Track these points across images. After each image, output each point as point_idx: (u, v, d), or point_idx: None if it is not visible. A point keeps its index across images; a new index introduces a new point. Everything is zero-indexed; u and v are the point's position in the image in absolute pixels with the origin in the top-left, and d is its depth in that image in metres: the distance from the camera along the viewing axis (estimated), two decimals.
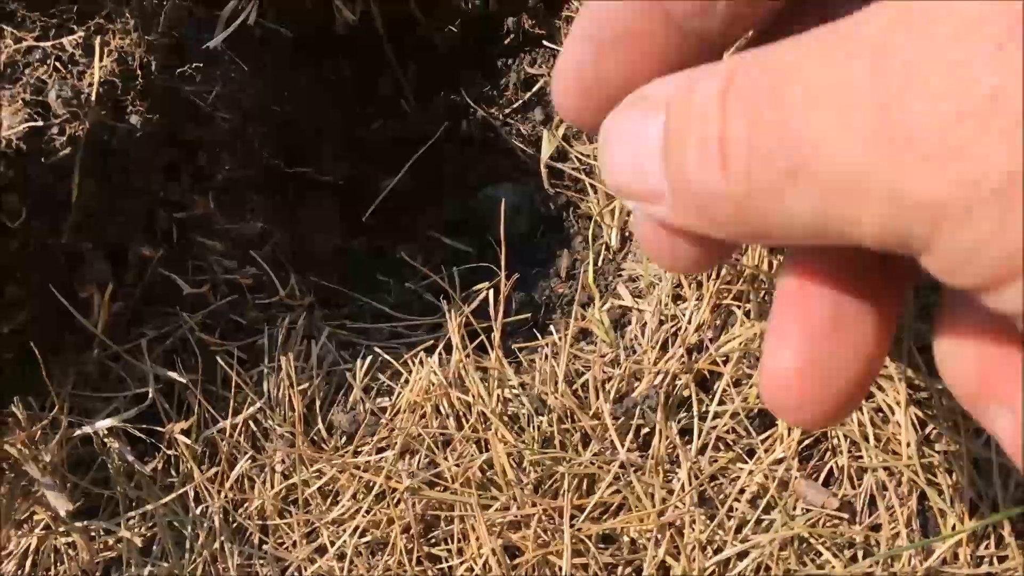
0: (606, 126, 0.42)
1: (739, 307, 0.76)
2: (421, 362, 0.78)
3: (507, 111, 0.97)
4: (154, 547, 0.75)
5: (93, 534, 0.75)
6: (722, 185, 0.34)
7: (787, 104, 0.32)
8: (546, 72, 0.97)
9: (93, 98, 0.67)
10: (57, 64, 0.68)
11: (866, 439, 0.71)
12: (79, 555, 0.74)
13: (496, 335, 0.75)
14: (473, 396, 0.74)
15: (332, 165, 0.91)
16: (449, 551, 0.73)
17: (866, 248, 0.33)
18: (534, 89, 0.97)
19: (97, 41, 0.68)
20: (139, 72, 0.72)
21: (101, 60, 0.68)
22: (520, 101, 0.97)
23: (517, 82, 0.98)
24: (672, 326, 0.77)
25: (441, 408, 0.76)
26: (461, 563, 0.72)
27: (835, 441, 0.72)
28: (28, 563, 0.77)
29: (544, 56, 0.97)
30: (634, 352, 0.77)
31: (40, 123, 0.65)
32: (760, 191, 0.33)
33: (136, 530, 0.75)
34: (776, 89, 0.32)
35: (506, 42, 0.97)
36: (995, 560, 0.69)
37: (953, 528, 0.70)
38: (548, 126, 0.95)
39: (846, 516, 0.71)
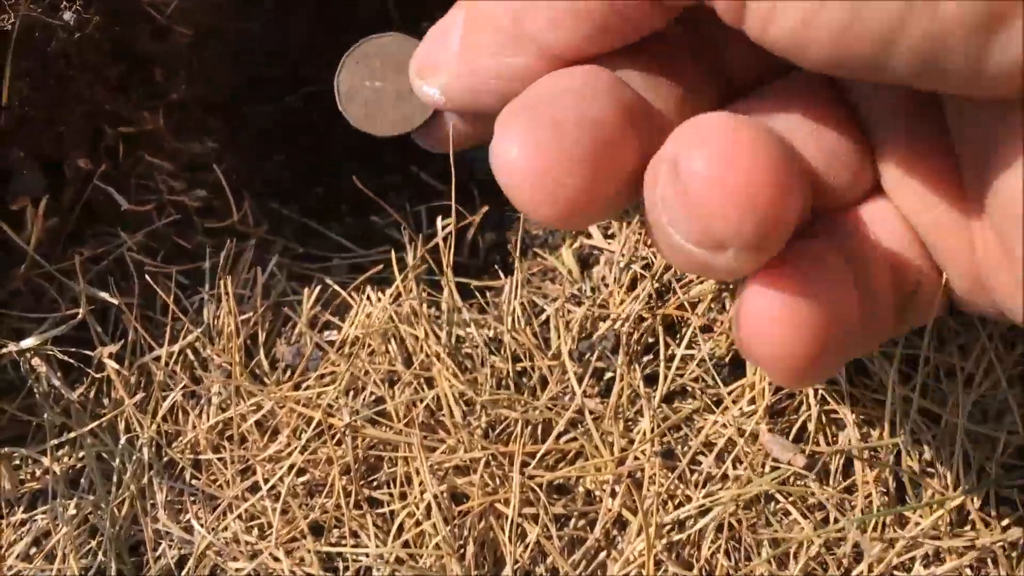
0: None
1: None
2: (371, 298, 0.73)
3: None
4: (82, 480, 0.71)
5: (18, 462, 0.71)
6: None
7: None
8: None
9: None
10: None
11: (841, 399, 0.66)
12: (2, 484, 0.70)
13: (446, 262, 0.69)
14: (423, 331, 0.70)
15: (299, 88, 0.86)
16: (391, 495, 0.68)
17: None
18: None
19: None
20: None
21: None
22: None
23: None
24: (641, 266, 0.72)
25: (390, 347, 0.71)
26: (403, 508, 0.68)
27: (807, 394, 0.67)
28: None
29: None
30: (600, 291, 0.72)
31: None
32: None
33: (63, 461, 0.71)
34: None
35: None
36: (980, 530, 0.64)
37: (933, 496, 0.65)
38: None
39: (811, 476, 0.66)
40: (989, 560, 0.63)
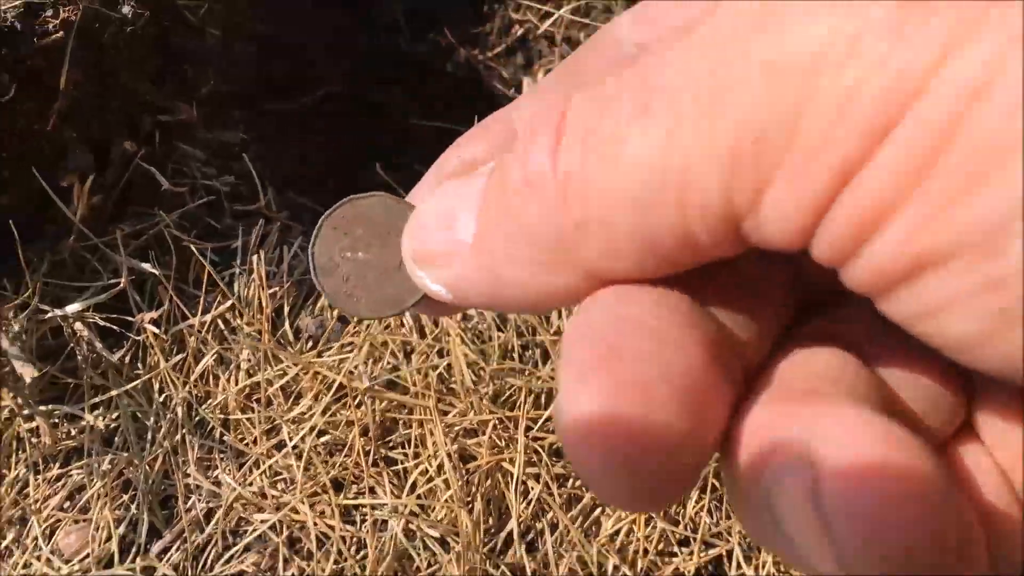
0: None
1: None
2: None
3: (490, 54, 1.00)
4: (116, 438, 0.77)
5: (56, 421, 0.77)
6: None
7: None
8: (530, 19, 1.00)
9: None
10: None
11: None
12: (41, 440, 0.76)
13: None
14: None
15: (316, 89, 0.93)
16: (405, 454, 0.75)
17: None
18: (517, 35, 1.00)
19: None
20: None
21: None
22: (503, 46, 1.00)
23: (502, 27, 1.01)
24: None
25: (405, 321, 0.78)
26: (416, 466, 0.74)
27: None
28: None
29: (528, 3, 1.00)
30: None
31: (36, 0, 0.66)
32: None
33: (99, 420, 0.76)
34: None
35: None
36: None
37: None
38: (528, 72, 0.97)
39: None
40: None
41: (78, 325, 0.76)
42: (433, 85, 1.00)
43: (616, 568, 0.71)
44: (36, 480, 0.77)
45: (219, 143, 0.83)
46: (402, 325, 0.78)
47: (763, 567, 0.71)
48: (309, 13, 0.95)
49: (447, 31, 0.98)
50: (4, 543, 0.76)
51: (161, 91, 0.82)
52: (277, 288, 0.79)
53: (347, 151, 0.96)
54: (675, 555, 0.72)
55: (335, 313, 0.79)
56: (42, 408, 0.75)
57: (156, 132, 0.81)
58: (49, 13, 0.68)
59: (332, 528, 0.73)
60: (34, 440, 0.78)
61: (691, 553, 0.72)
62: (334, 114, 0.96)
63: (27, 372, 0.70)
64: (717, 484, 0.73)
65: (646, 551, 0.72)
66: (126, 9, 0.71)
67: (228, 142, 0.83)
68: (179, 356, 0.77)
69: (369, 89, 0.99)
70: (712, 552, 0.72)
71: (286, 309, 0.79)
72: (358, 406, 0.75)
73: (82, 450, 0.77)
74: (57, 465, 0.77)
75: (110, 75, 0.75)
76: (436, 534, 0.72)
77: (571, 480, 0.74)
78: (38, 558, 0.75)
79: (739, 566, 0.72)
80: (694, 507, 0.73)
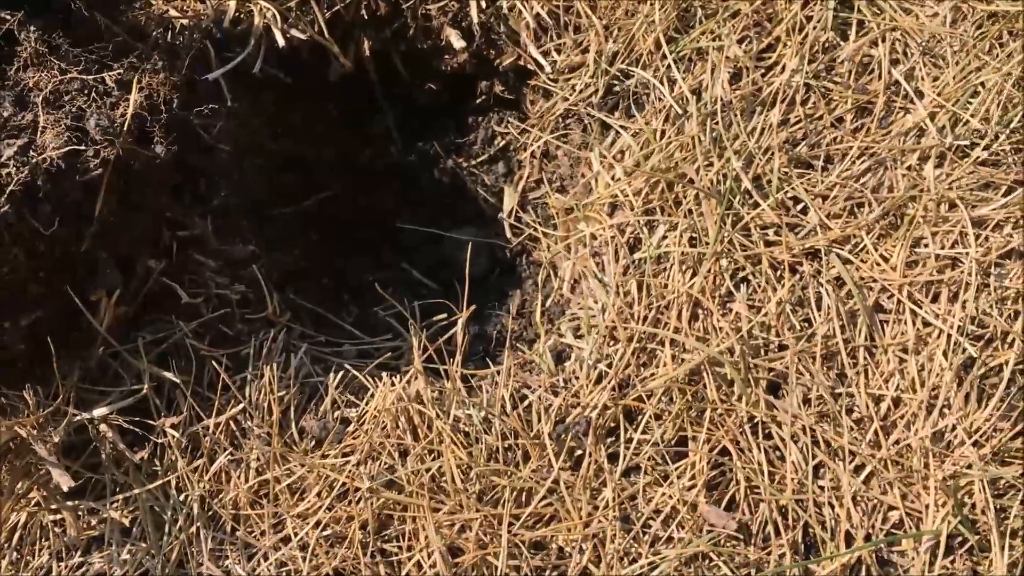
0: None
1: (662, 351, 0.88)
2: (386, 381, 0.89)
3: (474, 163, 1.09)
4: (134, 529, 0.84)
5: (79, 513, 0.84)
6: None
7: None
8: (511, 131, 1.09)
9: (125, 128, 0.77)
10: (94, 95, 0.78)
11: (762, 474, 0.84)
12: (67, 531, 0.83)
13: (458, 358, 0.86)
14: (431, 413, 0.85)
15: (314, 194, 1.02)
16: (400, 547, 0.83)
17: None
18: (499, 145, 1.09)
19: (134, 78, 0.78)
20: (163, 107, 0.82)
21: (135, 95, 0.78)
22: (487, 155, 1.09)
23: (485, 138, 1.10)
24: (606, 364, 0.89)
25: (400, 422, 0.87)
26: (410, 558, 0.83)
27: (737, 473, 0.84)
28: (16, 538, 0.86)
29: (510, 118, 1.09)
30: (572, 383, 0.89)
31: (80, 147, 0.74)
32: None
33: (120, 512, 0.84)
34: None
35: (478, 101, 1.09)
36: None
37: (831, 555, 0.82)
38: (509, 180, 1.07)
39: (742, 537, 0.83)
40: None
41: (103, 426, 0.83)
42: (421, 191, 1.09)
43: None
44: (59, 567, 0.84)
45: (229, 255, 0.91)
46: (397, 427, 0.87)
47: None
48: (315, 129, 1.04)
49: (434, 142, 1.08)
50: None
51: (179, 204, 0.89)
52: (284, 392, 0.87)
53: (338, 250, 1.05)
54: None
55: (337, 415, 0.87)
56: (68, 503, 0.82)
57: (174, 245, 0.88)
58: (91, 154, 0.76)
59: None
60: (57, 530, 0.85)
61: None
62: (331, 216, 1.05)
63: (64, 481, 0.77)
64: None
65: None
66: (159, 149, 0.79)
67: (238, 254, 0.91)
68: (195, 457, 0.85)
69: (363, 194, 1.08)
70: None
71: (292, 411, 0.87)
72: (357, 503, 0.84)
73: (103, 540, 0.84)
74: (79, 553, 0.84)
75: (138, 197, 0.83)
76: None
77: (548, 572, 0.83)
78: None
79: None
80: None
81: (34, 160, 0.73)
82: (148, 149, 0.80)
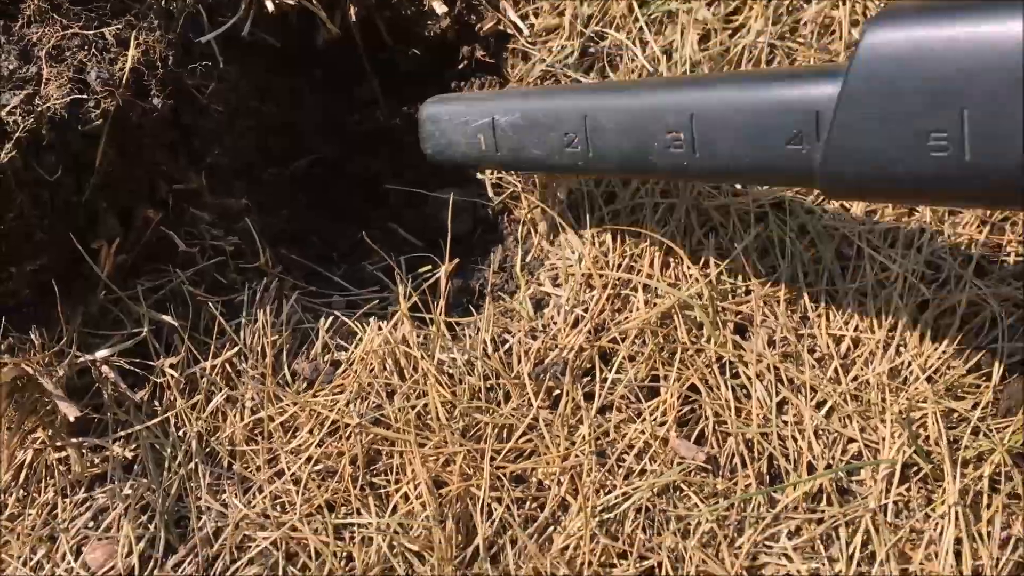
0: None
1: (635, 296, 0.93)
2: (373, 326, 0.93)
3: None
4: (135, 467, 0.89)
5: (83, 451, 0.88)
6: None
7: None
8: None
9: (124, 81, 0.81)
10: (94, 50, 0.82)
11: (730, 410, 0.89)
12: (72, 467, 0.87)
13: (441, 303, 0.90)
14: (417, 354, 0.90)
15: (304, 155, 1.06)
16: (388, 480, 0.88)
17: None
18: None
19: (132, 34, 0.83)
20: (159, 64, 0.86)
21: (132, 50, 0.82)
22: None
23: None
24: (582, 309, 0.94)
25: (387, 364, 0.91)
26: (397, 490, 0.87)
27: (706, 409, 0.90)
28: (22, 476, 0.90)
29: (491, 83, 1.14)
30: (551, 328, 0.93)
31: (82, 96, 0.79)
32: None
33: (122, 449, 0.88)
34: None
35: (460, 67, 1.14)
36: (826, 510, 0.87)
37: (794, 485, 0.88)
38: None
39: (711, 469, 0.88)
40: (834, 532, 0.86)
41: (104, 368, 0.88)
42: (406, 154, 1.13)
43: None
44: (64, 503, 0.89)
45: (223, 208, 0.96)
46: (384, 369, 0.91)
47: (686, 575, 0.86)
48: (303, 95, 1.09)
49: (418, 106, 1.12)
50: (35, 559, 0.87)
51: (175, 162, 0.94)
52: (276, 336, 0.92)
53: (328, 210, 1.10)
54: (615, 566, 0.86)
55: (327, 358, 0.92)
56: (73, 440, 0.87)
57: (170, 198, 0.93)
58: (92, 104, 0.80)
59: (326, 544, 0.86)
60: (62, 468, 0.89)
61: (628, 564, 0.86)
62: (321, 179, 1.09)
63: (70, 412, 0.81)
64: (650, 506, 0.87)
65: (591, 562, 0.86)
66: (156, 101, 0.84)
67: (231, 208, 0.96)
68: (192, 395, 0.89)
69: (350, 158, 1.12)
70: (645, 564, 0.86)
71: (284, 354, 0.92)
72: (347, 438, 0.88)
73: (105, 477, 0.89)
74: (83, 489, 0.89)
75: (136, 150, 0.87)
76: (414, 549, 0.85)
77: (528, 502, 0.88)
78: (67, 571, 0.86)
79: (667, 574, 0.86)
80: (631, 525, 0.87)
81: (39, 108, 0.77)
82: (146, 102, 0.84)
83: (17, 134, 0.76)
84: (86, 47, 0.83)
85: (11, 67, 0.80)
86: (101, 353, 0.87)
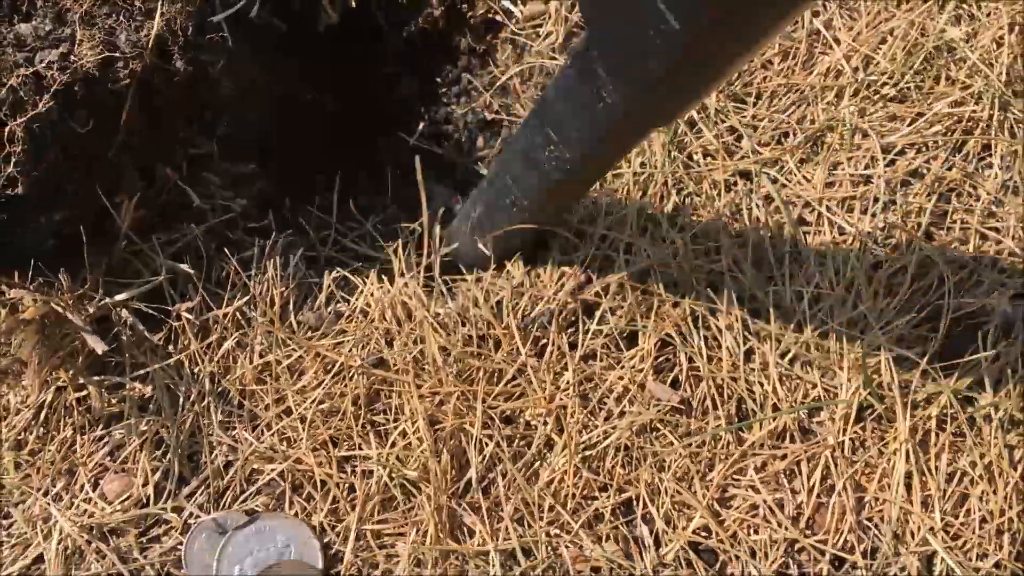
0: None
1: (616, 256, 1.01)
2: (373, 279, 1.01)
3: (448, 108, 1.22)
4: (151, 405, 0.95)
5: (102, 389, 0.95)
6: None
7: None
8: (478, 85, 1.22)
9: (150, 45, 0.89)
10: (123, 17, 0.90)
11: (702, 357, 0.97)
12: (92, 404, 0.94)
13: (435, 258, 0.98)
14: (414, 305, 0.98)
15: (312, 136, 1.13)
16: (387, 419, 0.95)
17: None
18: (471, 93, 1.22)
19: (157, 6, 0.90)
20: (180, 33, 0.94)
21: (158, 19, 0.90)
22: (456, 103, 1.22)
23: (459, 91, 1.23)
24: (567, 266, 1.02)
25: (387, 314, 0.99)
26: (395, 428, 0.95)
27: (680, 357, 0.98)
28: (42, 415, 0.96)
29: (481, 70, 1.22)
30: (537, 284, 1.01)
31: (114, 54, 0.86)
32: None
33: (139, 388, 0.95)
34: None
35: (453, 54, 1.22)
36: (789, 446, 0.95)
37: (760, 424, 0.96)
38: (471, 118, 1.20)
39: (684, 410, 0.96)
40: (796, 467, 0.94)
41: (123, 312, 0.94)
42: (403, 134, 1.21)
43: (551, 507, 0.93)
44: (82, 439, 0.95)
45: (234, 173, 1.03)
46: (384, 318, 0.99)
47: (661, 506, 0.93)
48: (307, 74, 1.17)
49: (414, 92, 1.20)
50: (55, 490, 0.93)
51: (191, 128, 1.01)
52: (283, 288, 0.99)
53: (332, 181, 1.17)
54: (596, 498, 0.94)
55: (331, 308, 0.99)
56: (94, 378, 0.93)
57: (186, 162, 1.00)
58: (120, 64, 0.88)
59: (330, 475, 0.92)
60: (80, 408, 0.96)
61: (608, 496, 0.93)
62: (325, 155, 1.17)
63: (98, 346, 0.88)
64: (628, 444, 0.95)
65: (574, 494, 0.93)
66: (180, 64, 0.91)
67: (241, 172, 1.03)
68: (206, 339, 0.96)
69: (353, 140, 1.20)
70: (623, 495, 0.94)
71: (290, 305, 0.99)
72: (350, 379, 0.95)
73: (122, 415, 0.95)
74: (100, 427, 0.95)
75: (158, 113, 0.95)
76: (413, 477, 0.92)
77: (516, 440, 0.95)
78: (86, 500, 0.93)
79: (644, 505, 0.93)
80: (611, 461, 0.95)
81: (74, 65, 0.85)
82: (170, 65, 0.92)
83: (55, 87, 0.83)
84: (115, 15, 0.90)
85: (47, 28, 0.87)
86: (121, 296, 0.93)
